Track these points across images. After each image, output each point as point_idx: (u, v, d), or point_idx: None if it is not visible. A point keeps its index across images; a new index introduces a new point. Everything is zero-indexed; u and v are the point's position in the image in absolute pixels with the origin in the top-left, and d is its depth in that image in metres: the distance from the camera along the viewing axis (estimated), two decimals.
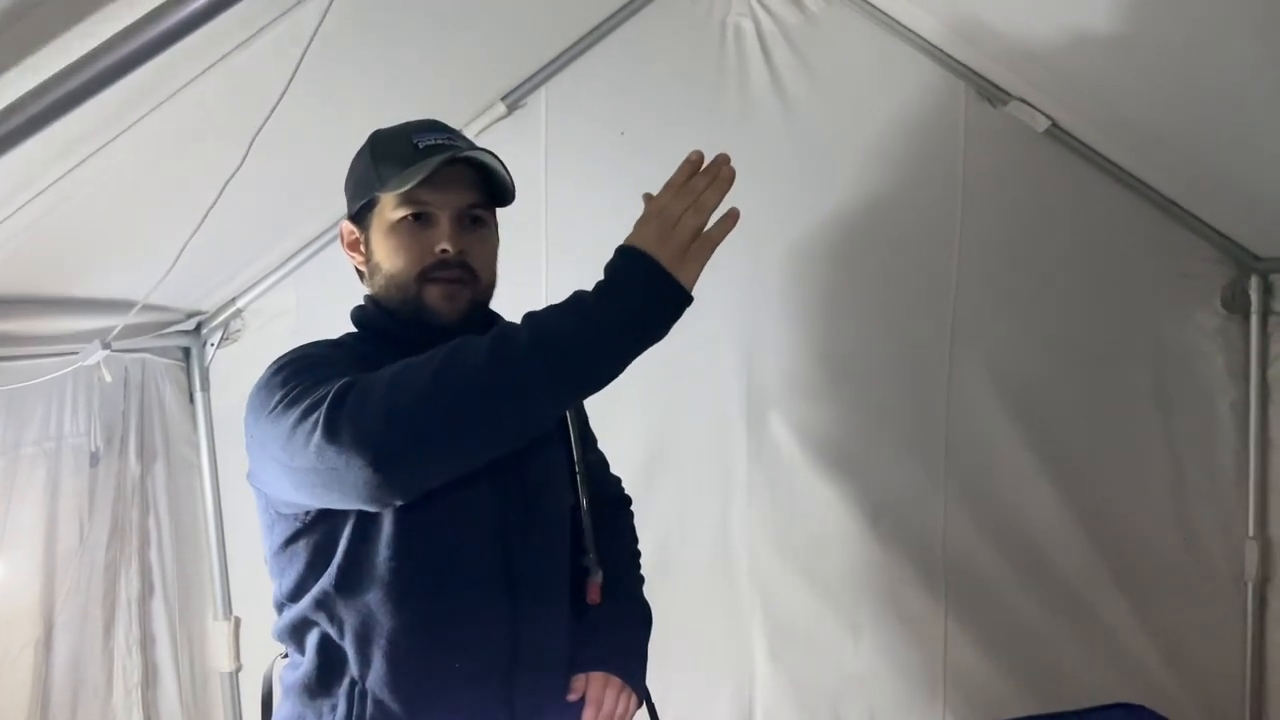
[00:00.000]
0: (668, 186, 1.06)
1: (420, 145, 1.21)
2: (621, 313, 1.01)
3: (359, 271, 1.31)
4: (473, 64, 2.12)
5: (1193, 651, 2.33)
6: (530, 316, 1.03)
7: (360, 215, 1.27)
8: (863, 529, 2.35)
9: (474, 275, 1.24)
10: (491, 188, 1.26)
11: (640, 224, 1.05)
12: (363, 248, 1.28)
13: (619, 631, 1.38)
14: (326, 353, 1.21)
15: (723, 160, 1.08)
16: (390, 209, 1.22)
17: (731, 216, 1.07)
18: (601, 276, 1.04)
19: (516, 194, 1.28)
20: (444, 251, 1.21)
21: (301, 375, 1.11)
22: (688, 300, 1.03)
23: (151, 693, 2.09)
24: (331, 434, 0.99)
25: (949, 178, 2.28)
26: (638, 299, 1.02)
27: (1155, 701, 2.24)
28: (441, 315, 1.22)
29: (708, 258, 1.05)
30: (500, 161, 1.24)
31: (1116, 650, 2.33)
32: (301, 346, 1.23)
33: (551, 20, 2.20)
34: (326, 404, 1.01)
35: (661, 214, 1.04)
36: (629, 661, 1.35)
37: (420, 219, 1.22)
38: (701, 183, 1.06)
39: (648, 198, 1.08)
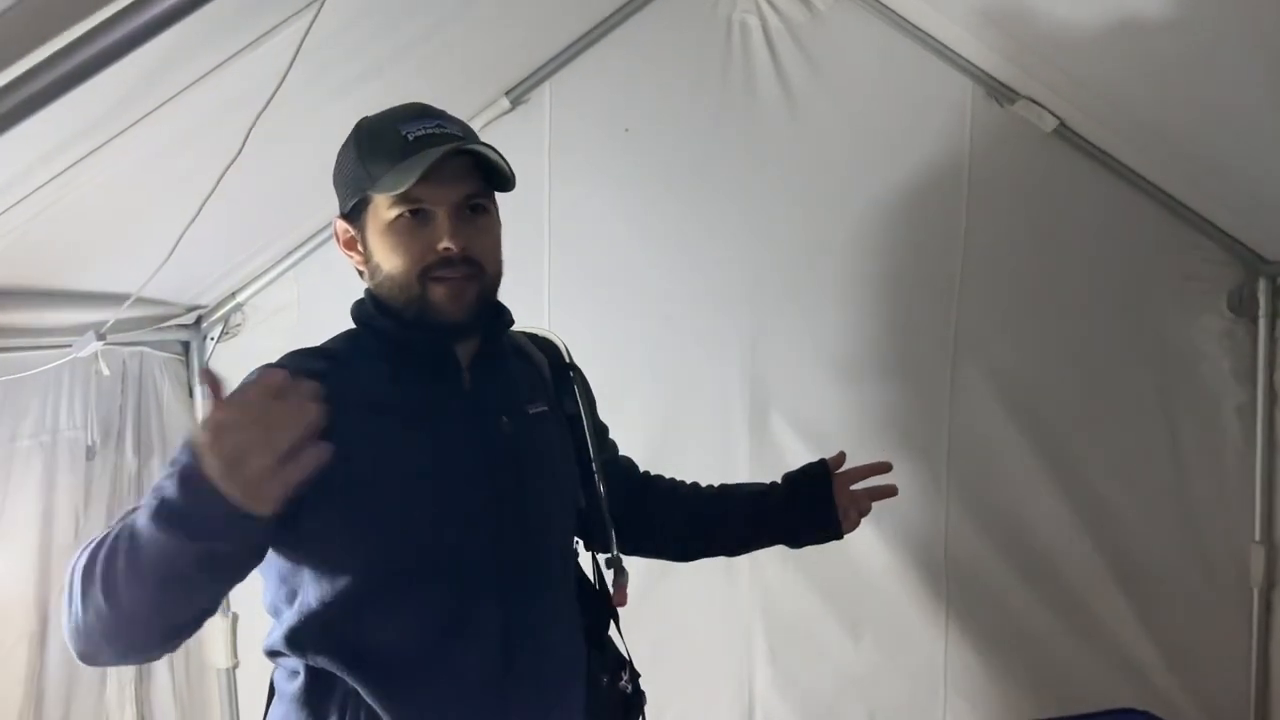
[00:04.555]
0: (239, 406, 0.86)
1: (410, 137, 1.16)
2: (198, 549, 0.90)
3: (358, 270, 1.27)
4: (476, 59, 2.11)
5: (1197, 657, 2.32)
6: (130, 534, 0.93)
7: (354, 213, 1.22)
8: (864, 530, 2.28)
9: (480, 268, 1.20)
10: (489, 172, 1.21)
11: (208, 435, 0.86)
12: (360, 246, 1.24)
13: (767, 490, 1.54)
14: None
15: (308, 394, 0.86)
16: (385, 207, 1.18)
17: (316, 455, 0.85)
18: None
19: (519, 188, 1.24)
20: (446, 250, 1.17)
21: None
22: (268, 522, 0.90)
23: (146, 688, 2.08)
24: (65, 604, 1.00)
25: (955, 176, 2.27)
26: (211, 537, 0.90)
27: (1159, 707, 2.23)
28: (448, 316, 1.19)
29: (286, 491, 0.86)
30: (497, 151, 1.20)
31: (1120, 655, 2.32)
32: (259, 375, 1.19)
33: (556, 15, 2.19)
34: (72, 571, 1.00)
35: (224, 440, 0.85)
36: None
37: (417, 215, 1.17)
38: (275, 415, 0.84)
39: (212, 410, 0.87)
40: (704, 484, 1.60)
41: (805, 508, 1.51)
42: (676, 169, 2.28)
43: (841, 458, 1.54)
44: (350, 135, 1.24)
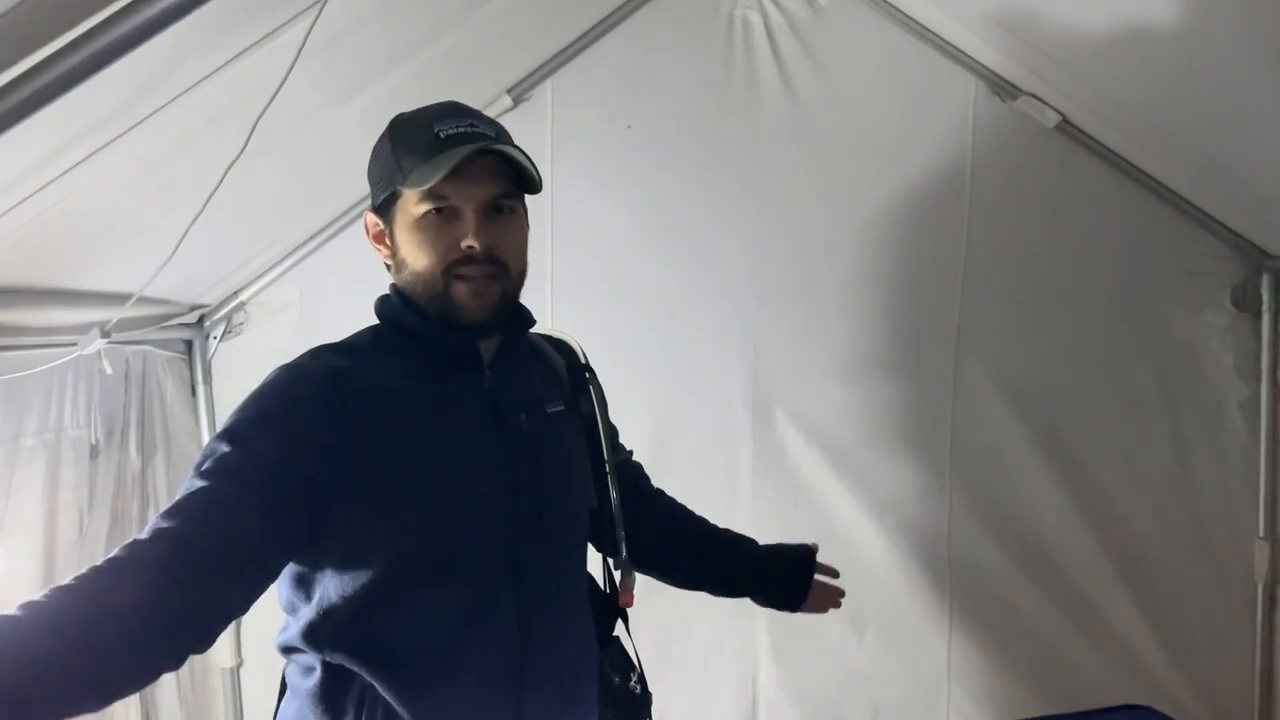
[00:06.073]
0: None
1: (442, 134, 1.16)
2: None
3: (386, 264, 1.27)
4: (478, 56, 2.11)
5: (1201, 652, 2.32)
6: None
7: (384, 207, 1.23)
8: (867, 526, 2.33)
9: (504, 268, 1.20)
10: (519, 173, 1.21)
11: None
12: (388, 241, 1.24)
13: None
14: (266, 423, 1.14)
15: None
16: (413, 203, 1.18)
17: None
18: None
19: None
20: (470, 248, 1.17)
21: (204, 476, 1.08)
22: None
23: (150, 688, 2.08)
24: None
25: (957, 173, 2.26)
26: None
27: (1162, 703, 2.22)
28: (470, 313, 1.19)
29: None
30: (524, 153, 1.20)
31: (1123, 651, 2.32)
32: (279, 376, 1.18)
33: (557, 12, 2.19)
34: None
35: None
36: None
37: (444, 213, 1.17)
38: None
39: None
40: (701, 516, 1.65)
41: (784, 580, 1.61)
42: (678, 166, 2.28)
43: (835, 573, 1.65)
44: (385, 129, 1.24)
